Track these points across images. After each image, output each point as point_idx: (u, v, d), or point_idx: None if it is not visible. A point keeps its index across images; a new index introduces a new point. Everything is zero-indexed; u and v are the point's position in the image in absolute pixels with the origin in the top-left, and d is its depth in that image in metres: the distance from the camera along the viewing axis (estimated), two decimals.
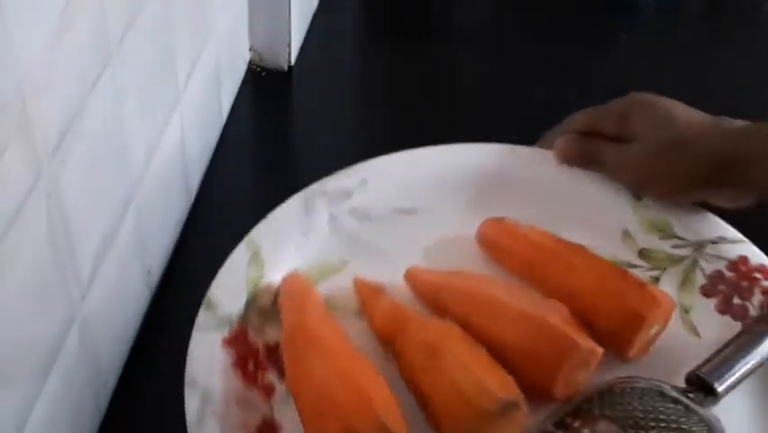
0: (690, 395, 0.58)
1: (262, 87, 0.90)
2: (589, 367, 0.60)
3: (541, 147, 0.75)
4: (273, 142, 0.86)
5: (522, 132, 0.76)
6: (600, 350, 0.59)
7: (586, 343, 0.59)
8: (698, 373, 0.59)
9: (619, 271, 0.65)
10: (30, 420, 0.51)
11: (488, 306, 0.61)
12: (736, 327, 0.65)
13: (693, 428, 0.55)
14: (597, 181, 0.72)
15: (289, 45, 0.90)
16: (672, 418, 0.56)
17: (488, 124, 0.85)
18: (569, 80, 0.92)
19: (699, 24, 1.05)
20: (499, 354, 0.59)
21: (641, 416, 0.56)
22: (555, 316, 0.59)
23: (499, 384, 0.56)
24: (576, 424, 0.56)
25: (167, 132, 0.69)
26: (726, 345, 0.61)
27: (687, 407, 0.56)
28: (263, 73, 0.91)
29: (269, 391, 0.60)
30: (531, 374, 0.58)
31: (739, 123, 0.68)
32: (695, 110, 0.70)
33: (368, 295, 0.65)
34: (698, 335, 0.66)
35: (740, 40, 1.01)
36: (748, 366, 0.60)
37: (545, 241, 0.67)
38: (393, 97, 0.91)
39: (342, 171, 0.70)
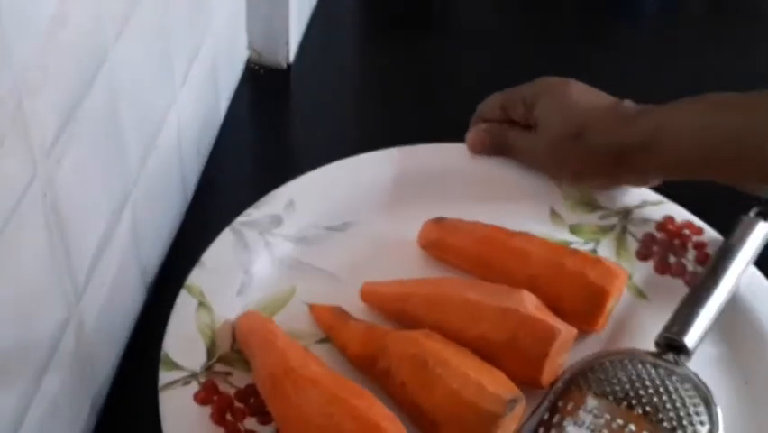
0: (664, 357, 0.60)
1: (261, 85, 0.90)
2: (568, 349, 0.61)
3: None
4: (272, 140, 0.86)
5: None
6: (575, 330, 0.61)
7: (565, 327, 0.59)
8: (666, 335, 0.61)
9: (571, 250, 0.66)
10: (26, 420, 0.50)
11: (460, 307, 0.61)
12: (678, 283, 0.67)
13: (678, 387, 0.57)
14: (516, 167, 0.73)
15: (288, 43, 0.90)
16: (657, 382, 0.58)
17: None
18: None
19: (699, 24, 1.05)
20: (482, 353, 0.59)
21: (628, 386, 0.57)
22: (529, 305, 0.60)
23: (498, 384, 0.56)
24: (569, 406, 0.57)
25: (163, 130, 0.68)
26: (682, 305, 0.63)
27: (666, 369, 0.59)
28: (262, 71, 0.91)
29: None
30: (517, 367, 0.58)
31: (639, 107, 0.68)
32: (601, 95, 0.70)
33: (332, 321, 0.63)
34: (645, 297, 0.67)
35: (740, 40, 1.00)
36: (708, 320, 0.62)
37: (492, 233, 0.67)
38: (392, 96, 0.90)
39: (265, 198, 0.69)
